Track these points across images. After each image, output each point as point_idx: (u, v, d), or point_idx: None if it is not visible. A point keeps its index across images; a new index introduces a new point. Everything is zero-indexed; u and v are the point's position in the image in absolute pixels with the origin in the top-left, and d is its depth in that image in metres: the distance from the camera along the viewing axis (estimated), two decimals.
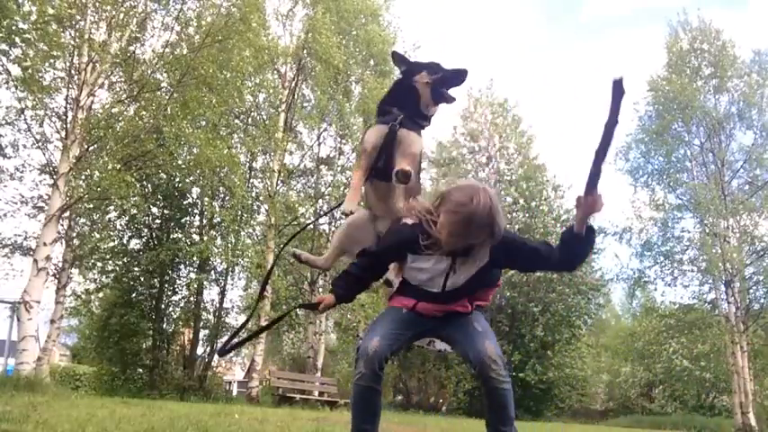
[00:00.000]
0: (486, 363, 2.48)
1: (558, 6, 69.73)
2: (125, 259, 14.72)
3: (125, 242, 14.93)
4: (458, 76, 2.74)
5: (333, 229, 17.92)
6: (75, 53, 10.55)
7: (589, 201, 2.32)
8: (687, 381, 21.46)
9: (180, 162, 12.63)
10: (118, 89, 11.47)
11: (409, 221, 2.51)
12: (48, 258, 9.94)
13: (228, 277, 16.04)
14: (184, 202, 15.33)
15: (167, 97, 10.95)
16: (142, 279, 15.04)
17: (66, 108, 10.50)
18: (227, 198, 15.04)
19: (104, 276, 14.49)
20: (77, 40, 10.40)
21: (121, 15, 11.05)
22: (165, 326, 15.18)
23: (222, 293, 16.00)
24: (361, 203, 2.93)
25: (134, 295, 14.87)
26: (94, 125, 10.49)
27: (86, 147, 10.49)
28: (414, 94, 2.72)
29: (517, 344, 20.56)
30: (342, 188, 17.17)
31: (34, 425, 3.50)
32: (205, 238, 14.45)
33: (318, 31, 15.06)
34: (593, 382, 29.94)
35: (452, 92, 2.82)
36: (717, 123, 18.56)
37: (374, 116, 3.01)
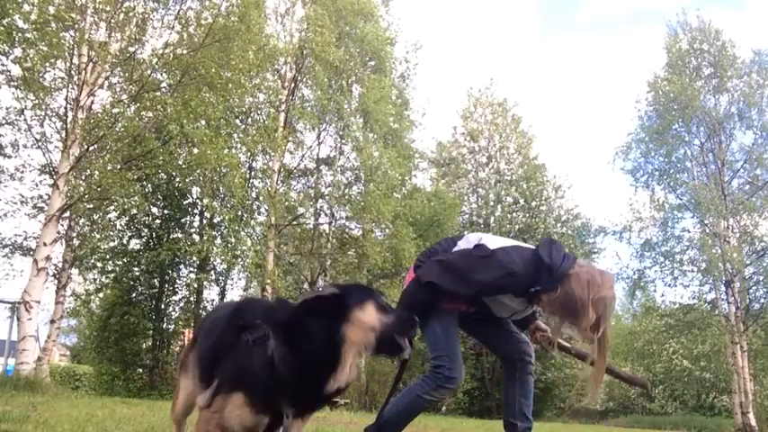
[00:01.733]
0: (528, 350, 2.85)
1: (557, 6, 69.72)
2: (125, 259, 14.73)
3: (125, 242, 14.94)
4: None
5: (333, 229, 17.96)
6: (76, 53, 10.55)
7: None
8: (687, 381, 21.48)
9: (180, 162, 12.64)
10: (118, 89, 11.47)
11: (518, 270, 2.50)
12: (48, 258, 9.94)
13: (228, 277, 16.07)
14: (184, 202, 15.34)
15: (169, 97, 10.95)
16: (142, 279, 15.05)
17: (66, 108, 10.50)
18: (227, 198, 15.07)
19: (104, 276, 14.50)
20: (77, 40, 10.40)
21: (121, 16, 11.05)
22: (165, 326, 15.19)
23: (222, 293, 16.03)
24: None
25: (134, 295, 14.88)
26: (94, 125, 10.49)
27: (86, 147, 10.48)
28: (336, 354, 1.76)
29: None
30: (342, 188, 17.19)
31: (34, 425, 3.50)
32: (205, 237, 14.48)
33: (315, 28, 15.08)
34: None
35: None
36: (717, 123, 18.55)
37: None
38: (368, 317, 1.78)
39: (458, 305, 2.73)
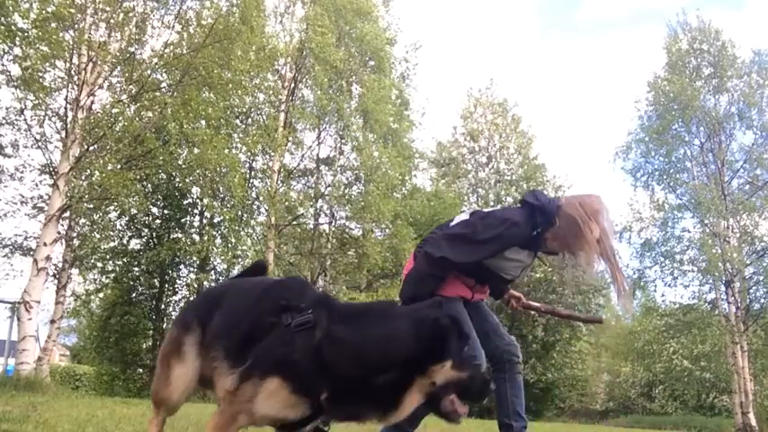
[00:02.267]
0: (516, 352, 2.88)
1: (557, 6, 69.69)
2: (125, 259, 14.73)
3: (125, 242, 14.95)
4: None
5: (333, 229, 17.95)
6: (76, 53, 10.55)
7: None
8: (687, 381, 21.47)
9: (180, 162, 12.64)
10: (118, 89, 11.47)
11: (518, 219, 2.65)
12: (48, 258, 9.94)
13: (228, 277, 16.04)
14: (184, 202, 15.34)
15: (168, 97, 10.95)
16: (142, 279, 15.05)
17: (66, 108, 10.50)
18: (227, 198, 15.08)
19: (104, 276, 14.50)
20: (77, 39, 10.39)
21: (120, 16, 11.05)
22: (165, 326, 15.19)
23: None
24: None
25: (134, 295, 14.89)
26: (94, 125, 10.49)
27: (86, 147, 10.48)
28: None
29: (518, 344, 20.62)
30: (342, 188, 17.19)
31: (34, 425, 3.49)
32: (205, 237, 14.47)
33: (315, 28, 15.09)
34: (593, 382, 29.95)
35: None
36: (717, 123, 18.55)
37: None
38: (441, 375, 1.65)
39: (462, 291, 2.75)
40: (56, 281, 11.86)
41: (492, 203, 24.21)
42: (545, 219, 2.62)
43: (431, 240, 2.73)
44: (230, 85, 12.11)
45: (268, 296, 1.85)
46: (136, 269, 14.85)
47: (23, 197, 11.78)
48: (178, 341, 2.00)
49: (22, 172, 11.55)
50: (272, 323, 1.73)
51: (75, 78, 10.59)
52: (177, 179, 14.14)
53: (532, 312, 2.97)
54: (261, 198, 15.73)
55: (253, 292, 1.94)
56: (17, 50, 9.69)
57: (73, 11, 10.03)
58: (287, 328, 1.70)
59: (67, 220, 11.82)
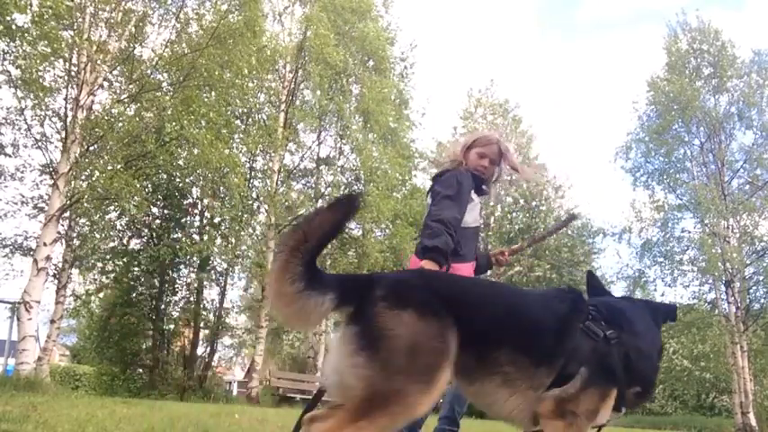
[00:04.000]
0: None
1: (557, 6, 69.67)
2: (125, 259, 14.73)
3: (125, 242, 14.94)
4: None
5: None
6: (75, 53, 10.55)
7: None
8: (687, 381, 21.46)
9: (180, 162, 12.63)
10: (118, 89, 11.47)
11: (457, 170, 3.16)
12: (48, 258, 9.94)
13: (228, 277, 16.06)
14: (184, 202, 15.33)
15: (168, 97, 10.95)
16: (142, 279, 15.04)
17: (66, 108, 10.50)
18: (227, 198, 15.07)
19: (104, 277, 14.49)
20: (77, 39, 10.39)
21: (120, 16, 11.05)
22: (165, 326, 15.19)
23: (222, 293, 16.03)
24: None
25: (134, 295, 14.87)
26: (94, 125, 10.49)
27: (86, 147, 10.48)
28: None
29: None
30: (342, 188, 17.18)
31: (34, 425, 3.50)
32: (205, 237, 14.45)
33: (315, 29, 15.08)
34: None
35: None
36: (717, 123, 18.54)
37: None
38: None
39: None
40: (56, 281, 11.86)
41: (492, 203, 24.21)
42: (463, 167, 3.21)
43: (427, 217, 3.06)
44: (232, 90, 12.11)
45: (578, 309, 1.88)
46: (136, 269, 14.84)
47: (23, 197, 11.79)
48: (441, 337, 1.58)
49: (22, 172, 11.57)
50: (582, 330, 1.79)
51: (75, 78, 10.59)
52: (177, 179, 14.13)
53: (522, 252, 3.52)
54: (261, 198, 15.72)
55: (533, 294, 2.09)
56: (14, 48, 9.68)
57: (71, 4, 10.01)
58: (604, 338, 1.79)
59: (67, 220, 11.82)
